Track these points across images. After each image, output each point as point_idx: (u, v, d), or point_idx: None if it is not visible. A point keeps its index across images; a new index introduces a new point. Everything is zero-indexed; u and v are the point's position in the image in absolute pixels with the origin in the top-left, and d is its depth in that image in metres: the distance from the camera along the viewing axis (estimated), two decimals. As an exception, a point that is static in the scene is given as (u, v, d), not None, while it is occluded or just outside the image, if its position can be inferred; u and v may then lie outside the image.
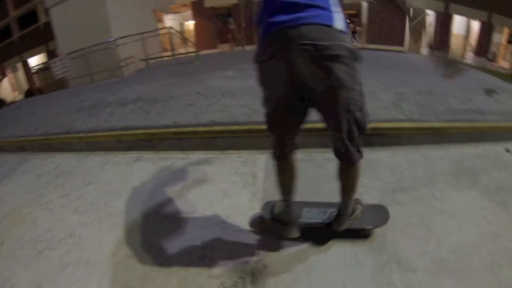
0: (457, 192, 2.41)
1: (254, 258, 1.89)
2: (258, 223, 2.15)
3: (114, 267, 1.93)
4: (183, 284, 1.77)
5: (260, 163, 2.77)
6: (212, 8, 17.05)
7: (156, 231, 2.18)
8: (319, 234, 1.99)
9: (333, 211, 1.96)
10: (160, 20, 16.55)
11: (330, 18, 1.34)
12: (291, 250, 1.92)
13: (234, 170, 2.73)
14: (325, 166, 2.64)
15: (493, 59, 14.96)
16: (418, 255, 1.88)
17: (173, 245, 2.03)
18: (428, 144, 3.01)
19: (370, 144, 2.77)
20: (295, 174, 1.87)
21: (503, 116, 3.36)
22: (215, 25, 17.12)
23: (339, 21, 1.35)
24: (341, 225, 1.86)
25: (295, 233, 1.86)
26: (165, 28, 12.20)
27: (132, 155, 3.28)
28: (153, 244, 2.07)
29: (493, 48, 15.08)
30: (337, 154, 1.68)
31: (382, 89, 4.05)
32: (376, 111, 3.28)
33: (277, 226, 1.94)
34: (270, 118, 1.68)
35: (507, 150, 3.04)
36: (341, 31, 1.34)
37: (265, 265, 1.84)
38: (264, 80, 1.54)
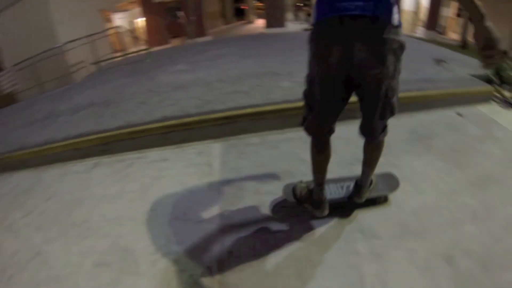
0: (413, 157, 2.48)
1: (219, 246, 1.87)
2: (281, 209, 2.11)
3: (83, 278, 1.85)
4: (153, 282, 1.73)
5: (214, 152, 2.73)
6: (161, 3, 16.32)
7: (120, 233, 2.10)
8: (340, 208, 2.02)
9: (349, 184, 2.06)
10: (109, 20, 15.64)
11: (390, 12, 1.34)
12: (254, 234, 1.92)
13: (190, 162, 2.68)
14: (279, 147, 2.64)
15: (443, 32, 15.46)
16: (381, 221, 1.92)
17: (139, 245, 1.98)
18: None
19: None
20: (330, 155, 1.84)
21: (452, 83, 3.49)
22: (166, 20, 16.51)
23: (396, 15, 1.36)
24: (362, 197, 1.95)
25: (327, 211, 1.92)
26: (113, 28, 11.64)
27: (90, 161, 3.13)
28: (119, 247, 2.00)
29: (442, 22, 15.57)
30: (364, 132, 1.74)
31: None
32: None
33: (306, 208, 1.96)
34: (314, 95, 1.61)
35: (458, 114, 3.18)
36: (397, 26, 1.38)
37: (230, 251, 1.83)
38: (318, 58, 1.50)
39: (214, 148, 2.77)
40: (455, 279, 1.66)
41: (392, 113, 1.65)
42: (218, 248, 1.86)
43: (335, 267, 1.70)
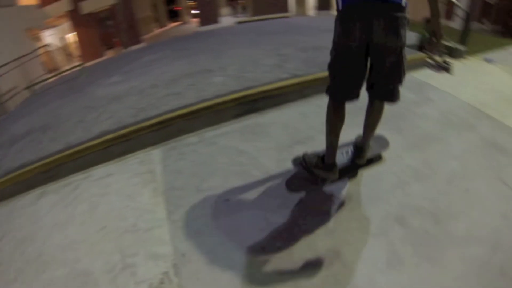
0: (352, 130, 2.54)
1: (171, 250, 1.85)
2: (296, 182, 2.15)
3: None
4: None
5: (155, 158, 2.65)
6: (91, 14, 15.28)
7: (76, 259, 2.00)
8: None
9: (348, 150, 2.25)
10: (38, 39, 14.32)
11: None
12: (203, 232, 1.91)
13: (133, 173, 2.59)
14: (217, 142, 2.61)
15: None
16: (328, 196, 1.98)
17: (96, 266, 1.90)
18: (318, 94, 3.04)
19: (258, 109, 2.78)
20: (344, 119, 1.97)
21: None
22: (98, 32, 15.60)
23: None
24: (364, 159, 2.17)
25: (338, 174, 2.07)
26: (43, 46, 10.82)
27: (35, 192, 2.90)
28: (78, 272, 1.91)
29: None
30: (379, 95, 1.95)
31: (265, 55, 4.07)
32: (259, 76, 3.29)
33: (317, 174, 2.07)
34: (338, 66, 1.84)
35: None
36: (404, 6, 1.65)
37: (183, 253, 1.81)
38: (345, 34, 1.72)
39: (155, 155, 2.70)
40: (409, 238, 1.75)
41: (404, 76, 1.85)
42: (171, 253, 1.83)
43: (289, 251, 1.74)
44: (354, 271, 1.63)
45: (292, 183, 2.13)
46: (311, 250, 1.72)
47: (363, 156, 2.16)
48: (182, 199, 2.16)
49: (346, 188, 2.05)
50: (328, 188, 2.07)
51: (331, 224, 1.84)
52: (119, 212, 2.24)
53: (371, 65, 1.81)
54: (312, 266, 1.66)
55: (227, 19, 15.33)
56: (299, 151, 2.21)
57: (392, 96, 1.89)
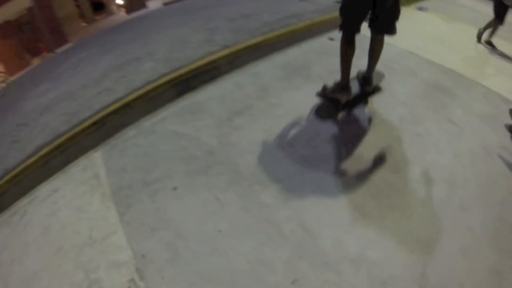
0: (294, 92, 2.41)
1: (131, 254, 1.69)
2: (323, 110, 2.32)
3: None
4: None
5: (98, 162, 2.38)
6: (8, 22, 13.47)
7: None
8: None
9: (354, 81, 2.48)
10: None
11: None
12: (158, 228, 1.76)
13: (78, 182, 2.31)
14: (155, 130, 2.37)
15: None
16: (271, 166, 1.87)
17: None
18: (252, 62, 2.89)
19: (192, 88, 2.57)
20: (355, 50, 2.25)
21: (318, 13, 3.40)
22: (20, 40, 13.87)
23: None
24: (371, 86, 2.45)
25: (351, 95, 2.37)
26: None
27: None
28: None
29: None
30: (383, 30, 2.21)
31: (193, 31, 3.75)
32: (188, 54, 3.02)
33: (334, 97, 2.33)
34: (349, 8, 2.14)
35: (330, 39, 3.15)
36: None
37: (143, 255, 1.65)
38: None
39: (96, 158, 2.41)
40: (370, 192, 1.71)
41: (399, 14, 2.13)
42: (131, 257, 1.67)
43: (249, 228, 1.63)
44: (319, 237, 1.56)
45: (320, 112, 2.30)
46: (271, 223, 1.62)
47: (370, 83, 2.45)
48: (131, 197, 1.96)
49: (291, 154, 1.96)
50: (274, 157, 1.96)
51: (285, 193, 1.74)
52: (72, 228, 2.00)
53: (374, 4, 2.05)
54: (276, 240, 1.57)
55: (155, 2, 14.28)
56: (239, 123, 2.08)
57: (392, 29, 2.16)
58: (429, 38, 3.37)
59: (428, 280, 1.41)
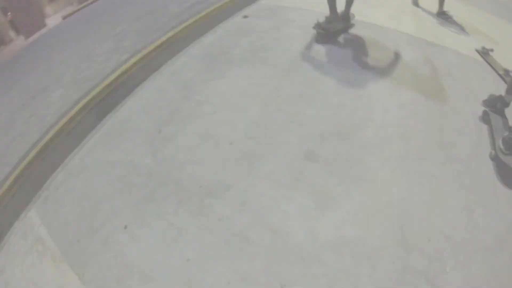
0: (217, 82, 2.18)
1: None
2: (319, 37, 2.57)
3: None
4: None
5: (35, 222, 1.97)
6: None
7: None
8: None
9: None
10: None
11: None
12: (122, 277, 1.52)
13: (22, 253, 1.90)
14: (85, 166, 2.00)
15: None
16: (217, 170, 1.69)
17: None
18: (168, 61, 2.58)
19: (113, 106, 2.24)
20: None
21: None
22: None
23: None
24: (351, 21, 2.83)
25: (341, 24, 2.73)
26: None
27: None
28: None
29: None
30: None
31: (98, 41, 3.29)
32: (98, 69, 2.62)
33: (328, 27, 2.58)
34: None
35: (245, 16, 2.95)
36: None
37: None
38: None
39: (32, 218, 2.01)
40: (326, 169, 1.59)
41: None
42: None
43: (215, 247, 1.47)
44: (290, 234, 1.41)
45: (318, 39, 2.61)
46: (235, 235, 1.46)
47: (350, 19, 2.82)
48: (83, 253, 1.66)
49: (241, 147, 1.77)
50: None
51: (239, 197, 1.57)
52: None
53: None
54: (247, 251, 1.40)
55: (55, 18, 12.68)
56: (170, 132, 1.86)
57: None
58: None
59: (410, 240, 1.35)
